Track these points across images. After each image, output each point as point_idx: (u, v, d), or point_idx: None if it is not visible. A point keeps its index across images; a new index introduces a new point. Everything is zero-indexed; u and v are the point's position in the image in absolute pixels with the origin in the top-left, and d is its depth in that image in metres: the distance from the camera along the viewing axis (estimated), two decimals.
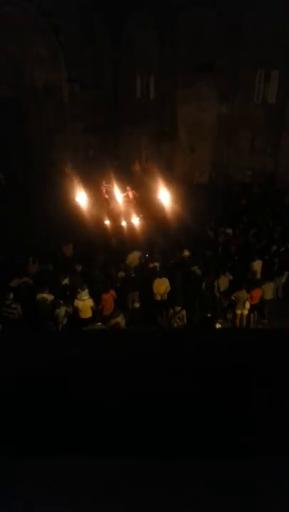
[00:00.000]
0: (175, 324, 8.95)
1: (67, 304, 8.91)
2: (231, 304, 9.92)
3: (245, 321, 10.09)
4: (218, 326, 8.76)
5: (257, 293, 10.02)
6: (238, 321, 9.96)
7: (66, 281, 9.99)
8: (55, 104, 21.02)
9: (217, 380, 1.19)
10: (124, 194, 16.57)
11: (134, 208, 14.61)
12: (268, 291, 10.28)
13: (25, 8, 18.27)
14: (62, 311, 8.70)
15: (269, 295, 10.33)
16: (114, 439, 1.02)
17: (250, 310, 10.06)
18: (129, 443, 1.01)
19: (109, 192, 16.57)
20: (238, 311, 9.90)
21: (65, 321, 8.86)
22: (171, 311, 9.12)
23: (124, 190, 16.55)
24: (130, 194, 16.85)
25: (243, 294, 9.74)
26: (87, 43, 20.13)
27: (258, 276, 10.73)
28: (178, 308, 9.04)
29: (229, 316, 9.70)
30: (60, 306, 8.74)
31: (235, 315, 9.91)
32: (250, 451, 0.98)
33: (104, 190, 16.69)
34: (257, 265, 10.91)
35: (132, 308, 10.32)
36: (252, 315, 10.26)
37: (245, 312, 9.96)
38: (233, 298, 9.77)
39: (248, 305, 9.83)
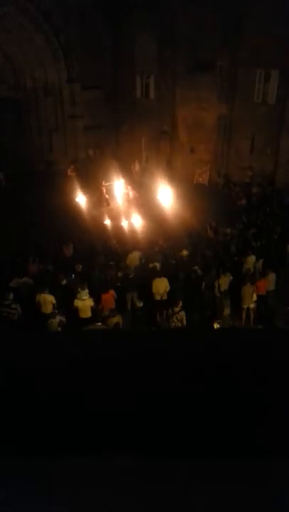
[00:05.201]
0: (173, 324, 8.93)
1: (62, 313, 8.73)
2: (237, 300, 10.03)
3: (252, 315, 10.15)
4: (216, 326, 8.76)
5: (263, 284, 10.16)
6: (244, 314, 10.07)
7: (66, 281, 9.99)
8: (55, 104, 21.02)
9: (217, 380, 1.19)
10: (125, 192, 16.59)
11: (135, 208, 14.64)
12: (271, 281, 10.44)
13: (25, 8, 18.28)
14: (56, 320, 8.49)
15: (271, 286, 10.48)
16: (115, 439, 1.02)
17: (258, 302, 10.19)
18: (129, 443, 1.01)
19: (110, 191, 16.57)
20: (245, 306, 10.01)
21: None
22: (170, 311, 9.11)
23: (124, 189, 16.61)
24: (131, 193, 16.86)
25: (248, 288, 9.87)
26: (87, 43, 20.14)
27: (251, 271, 10.90)
28: (177, 309, 9.03)
29: (227, 313, 9.77)
30: (54, 316, 8.52)
31: (241, 310, 10.01)
32: (250, 451, 0.98)
33: (104, 190, 16.70)
34: (250, 261, 11.05)
35: (132, 307, 10.32)
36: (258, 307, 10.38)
37: (252, 305, 10.04)
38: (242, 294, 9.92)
39: (255, 296, 9.96)
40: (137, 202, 16.12)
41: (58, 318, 8.49)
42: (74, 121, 21.23)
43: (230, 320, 9.95)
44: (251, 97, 18.38)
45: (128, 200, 16.31)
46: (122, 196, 16.30)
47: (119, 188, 16.40)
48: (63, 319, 8.58)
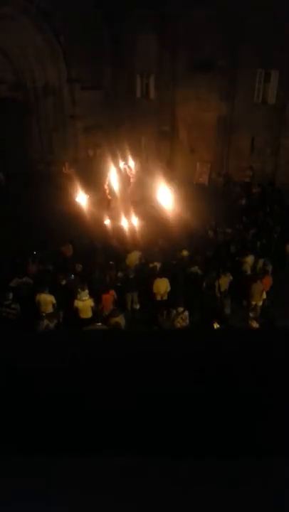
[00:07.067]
0: (178, 325, 8.94)
1: (51, 317, 8.68)
2: (240, 299, 10.11)
3: (259, 311, 10.25)
4: (216, 326, 8.77)
5: (268, 281, 10.26)
6: (251, 311, 10.13)
7: (65, 281, 9.99)
8: (55, 104, 21.02)
9: (217, 380, 1.19)
10: (124, 167, 16.88)
11: (132, 190, 14.99)
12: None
13: (25, 8, 18.27)
14: (44, 323, 8.44)
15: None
16: (115, 439, 1.02)
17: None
18: (129, 443, 1.01)
19: (111, 191, 16.59)
20: (254, 302, 10.09)
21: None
22: (174, 312, 9.11)
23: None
24: (128, 170, 17.20)
25: (258, 285, 9.95)
26: (87, 43, 20.14)
27: (249, 271, 11.05)
28: (181, 309, 9.03)
29: (227, 313, 9.82)
30: (43, 319, 8.51)
31: (249, 306, 10.10)
32: (250, 451, 0.98)
33: (107, 191, 16.70)
34: (249, 261, 11.14)
35: (132, 308, 10.33)
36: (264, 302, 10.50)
37: (260, 303, 10.16)
38: (251, 291, 10.03)
39: (264, 294, 10.08)
40: (134, 183, 16.40)
41: (46, 321, 8.47)
42: (74, 121, 21.23)
43: (230, 320, 9.95)
44: (251, 97, 18.38)
45: (127, 180, 16.61)
46: (121, 175, 16.63)
47: (117, 174, 16.52)
48: (51, 325, 8.53)
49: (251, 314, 9.27)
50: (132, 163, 17.77)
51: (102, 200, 16.37)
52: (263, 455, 0.98)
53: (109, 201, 16.47)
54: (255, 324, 8.79)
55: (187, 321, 9.05)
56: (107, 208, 15.89)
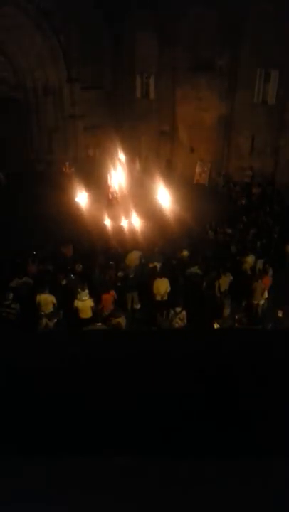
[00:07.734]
0: (176, 325, 8.94)
1: (51, 316, 8.73)
2: (247, 296, 10.17)
3: (260, 310, 10.27)
4: (216, 326, 8.77)
5: (267, 281, 10.28)
6: (253, 310, 10.18)
7: (66, 281, 9.98)
8: (55, 104, 21.03)
9: (217, 380, 1.19)
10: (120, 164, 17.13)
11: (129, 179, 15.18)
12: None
13: (25, 8, 18.27)
14: (43, 322, 8.50)
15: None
16: (115, 439, 1.02)
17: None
18: (129, 443, 1.01)
19: (115, 191, 16.59)
20: (255, 301, 10.11)
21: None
22: (172, 312, 9.11)
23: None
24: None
25: (260, 284, 10.00)
26: (87, 43, 20.14)
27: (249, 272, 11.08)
28: (178, 309, 9.03)
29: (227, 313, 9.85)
30: (41, 318, 8.55)
31: (250, 305, 10.09)
32: (250, 451, 0.98)
33: (110, 189, 16.70)
34: (250, 260, 11.19)
35: (132, 308, 10.33)
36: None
37: (262, 302, 10.19)
38: (252, 288, 10.08)
39: (266, 294, 10.11)
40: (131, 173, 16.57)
41: (45, 320, 8.49)
42: (74, 121, 21.24)
43: (231, 320, 9.95)
44: (251, 97, 18.38)
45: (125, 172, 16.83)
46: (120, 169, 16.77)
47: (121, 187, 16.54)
48: (50, 323, 8.55)
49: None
50: (122, 157, 17.88)
51: (109, 199, 16.45)
52: (263, 455, 0.98)
53: (111, 200, 16.49)
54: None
55: (185, 320, 9.04)
56: (110, 207, 15.89)
